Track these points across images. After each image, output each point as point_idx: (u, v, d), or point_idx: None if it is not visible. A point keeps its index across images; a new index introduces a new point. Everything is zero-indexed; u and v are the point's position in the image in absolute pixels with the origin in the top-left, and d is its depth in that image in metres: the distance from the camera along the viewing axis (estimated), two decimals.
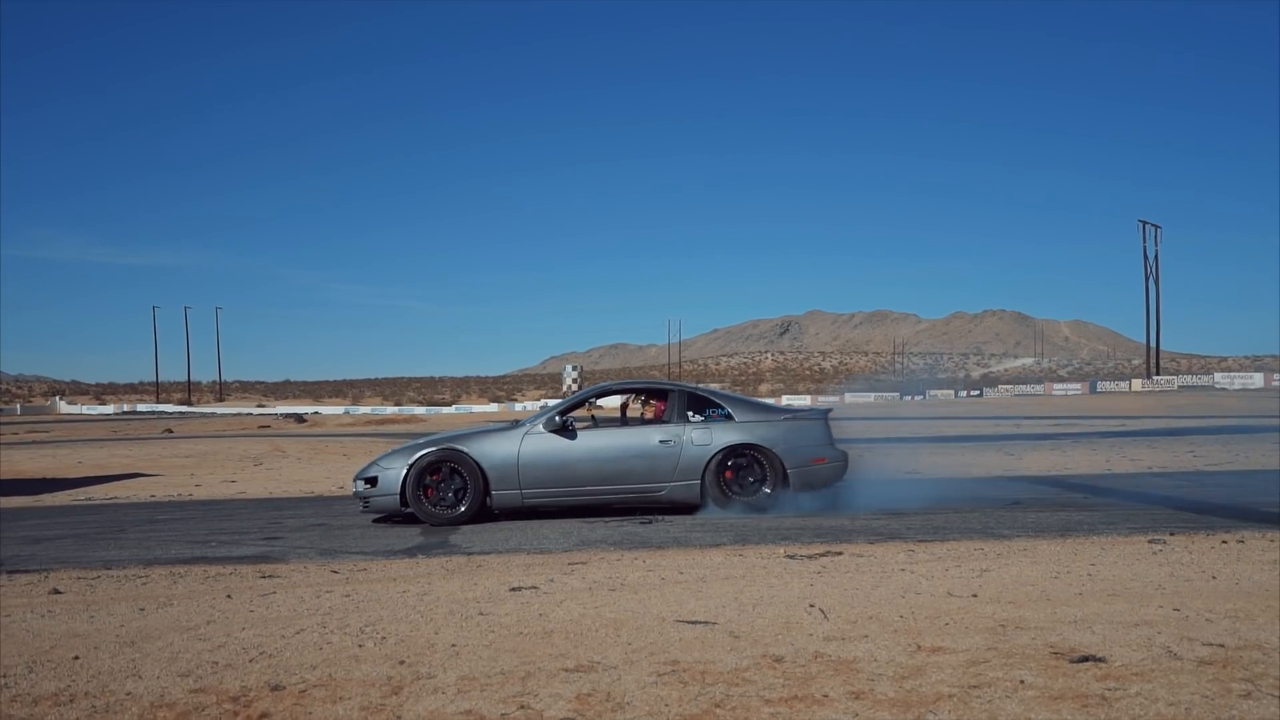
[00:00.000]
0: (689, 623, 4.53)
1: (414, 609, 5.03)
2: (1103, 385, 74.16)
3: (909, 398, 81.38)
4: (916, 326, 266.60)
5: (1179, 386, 65.18)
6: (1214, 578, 5.33)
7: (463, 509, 8.78)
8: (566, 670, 3.82)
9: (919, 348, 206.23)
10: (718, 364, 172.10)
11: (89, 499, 13.02)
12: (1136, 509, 8.69)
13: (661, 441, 8.95)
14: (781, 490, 8.89)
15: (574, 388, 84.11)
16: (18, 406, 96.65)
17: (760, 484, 8.93)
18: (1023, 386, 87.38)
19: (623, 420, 9.52)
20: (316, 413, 77.63)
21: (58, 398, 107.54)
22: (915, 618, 4.52)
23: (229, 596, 5.56)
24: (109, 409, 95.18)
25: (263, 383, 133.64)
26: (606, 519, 8.83)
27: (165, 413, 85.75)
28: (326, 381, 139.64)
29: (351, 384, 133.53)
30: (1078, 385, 75.80)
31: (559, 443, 8.94)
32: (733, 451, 8.94)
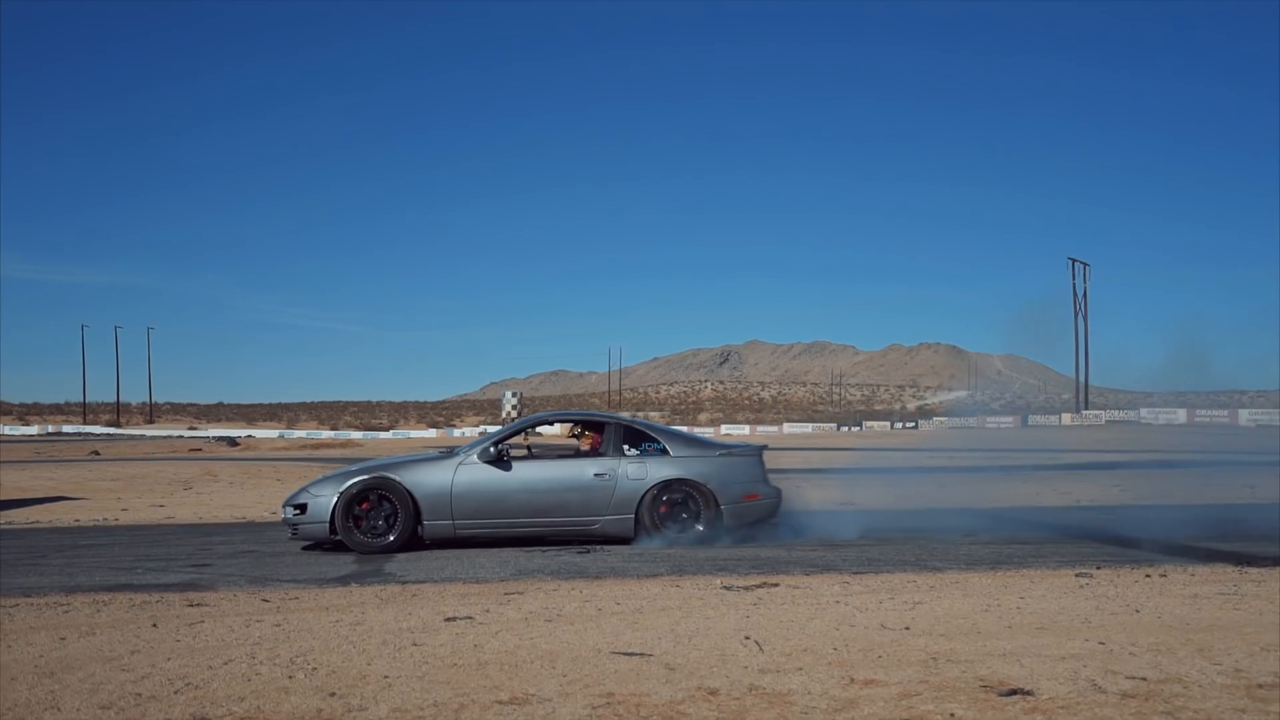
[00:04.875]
0: (625, 654, 4.53)
1: (346, 639, 4.96)
2: (1034, 419, 75.62)
3: (846, 429, 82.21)
4: (854, 358, 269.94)
5: (1106, 421, 66.72)
6: (1137, 611, 5.46)
7: (391, 538, 8.67)
8: (500, 702, 3.79)
9: (856, 379, 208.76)
10: (658, 392, 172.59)
11: (9, 523, 12.62)
12: (1065, 542, 8.87)
13: (597, 475, 8.91)
14: (715, 527, 8.90)
15: (513, 414, 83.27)
16: None
17: (694, 520, 8.92)
18: (957, 419, 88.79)
19: (559, 451, 9.48)
20: (250, 436, 76.13)
21: None
22: (849, 650, 4.57)
23: (155, 625, 5.43)
24: (33, 429, 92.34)
25: (195, 405, 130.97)
26: (544, 548, 8.79)
27: (92, 434, 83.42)
28: (261, 405, 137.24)
29: (286, 407, 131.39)
30: (1010, 418, 77.20)
31: (493, 473, 8.87)
32: (667, 486, 8.93)
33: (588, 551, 8.55)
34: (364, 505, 8.74)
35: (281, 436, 79.19)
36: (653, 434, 9.32)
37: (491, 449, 8.94)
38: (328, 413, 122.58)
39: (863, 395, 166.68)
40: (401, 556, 8.45)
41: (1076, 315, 71.38)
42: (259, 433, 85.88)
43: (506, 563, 7.95)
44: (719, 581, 6.75)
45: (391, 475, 8.81)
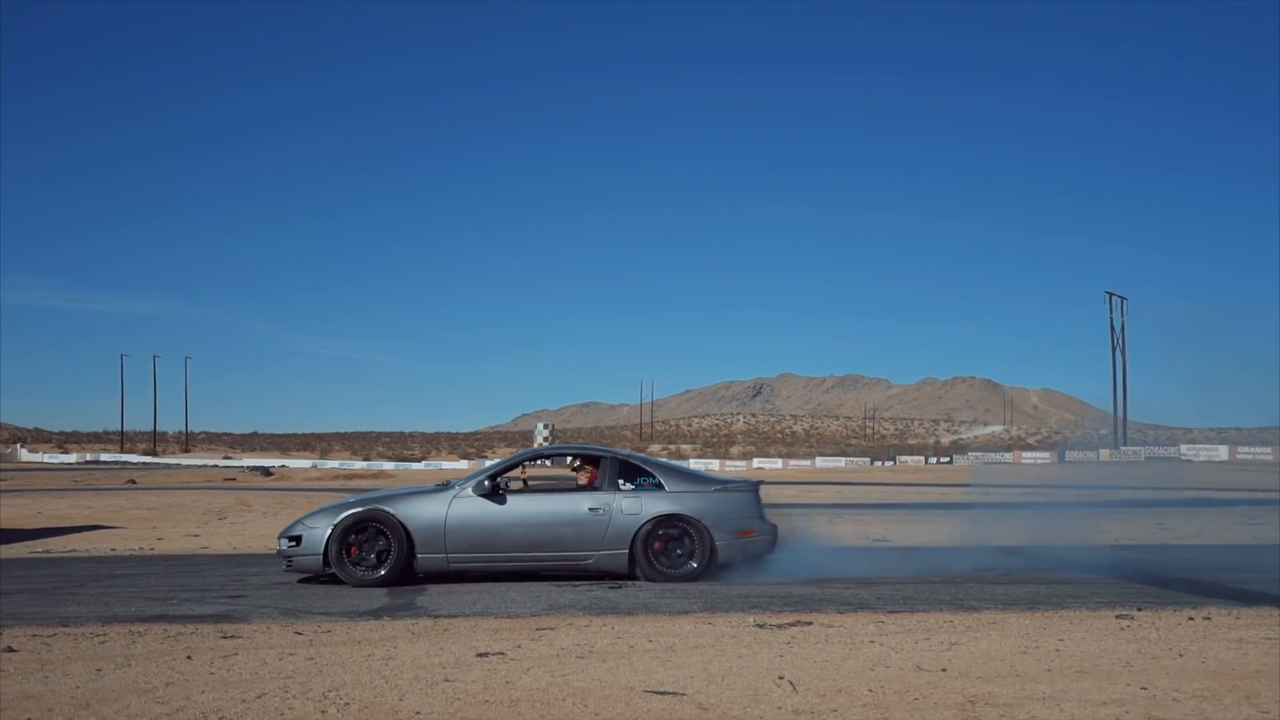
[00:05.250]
0: (657, 693, 4.49)
1: (378, 674, 4.96)
2: (1070, 454, 74.73)
3: (879, 464, 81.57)
4: (888, 392, 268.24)
5: (1146, 457, 65.76)
6: (1181, 655, 5.35)
7: (383, 572, 8.66)
8: None
9: (890, 413, 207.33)
10: (690, 425, 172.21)
11: (47, 551, 12.77)
12: (1104, 582, 8.72)
13: (591, 509, 8.87)
14: (710, 563, 8.82)
15: (545, 445, 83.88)
16: None
17: (689, 557, 8.84)
18: (992, 454, 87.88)
19: (556, 485, 9.43)
20: (284, 466, 76.71)
21: (19, 445, 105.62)
22: (884, 691, 4.50)
23: (189, 657, 5.45)
24: (71, 458, 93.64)
25: (230, 434, 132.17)
26: (575, 583, 8.76)
27: (129, 463, 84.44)
28: (294, 434, 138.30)
29: (320, 437, 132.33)
30: (1046, 454, 76.31)
31: (488, 507, 8.85)
32: (662, 521, 8.86)
33: (619, 587, 8.52)
34: (359, 536, 8.74)
35: (315, 467, 79.72)
36: (649, 469, 9.26)
37: (486, 482, 8.93)
38: (360, 443, 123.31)
39: (896, 429, 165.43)
40: (433, 589, 8.45)
41: (1114, 349, 70.63)
42: (292, 463, 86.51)
43: (538, 597, 7.93)
44: (752, 619, 6.69)
45: (386, 508, 8.82)
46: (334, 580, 8.83)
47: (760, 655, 5.38)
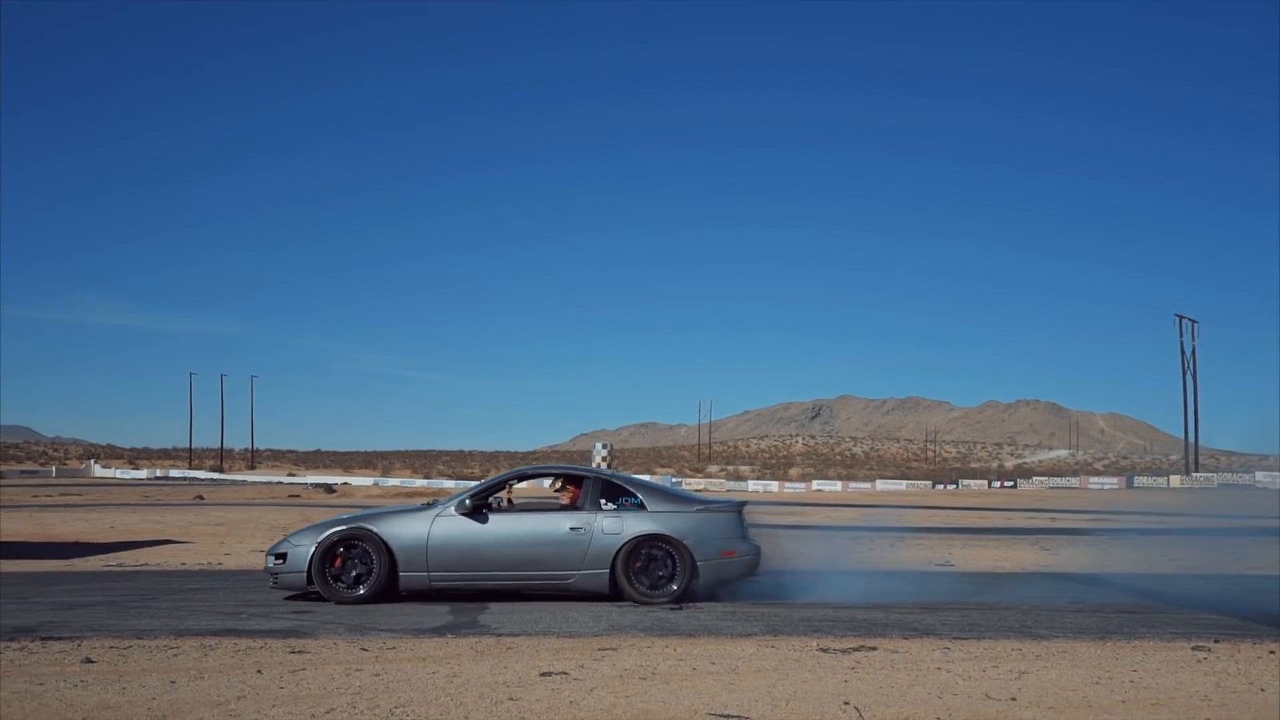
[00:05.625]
0: (721, 716, 4.47)
1: (443, 691, 5.00)
2: (1140, 480, 72.97)
3: (941, 487, 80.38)
4: (949, 414, 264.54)
5: (1219, 484, 63.94)
6: (1262, 690, 5.20)
7: (362, 590, 8.72)
8: None
9: (951, 436, 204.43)
10: (748, 446, 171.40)
11: (120, 565, 13.09)
12: (1177, 612, 8.50)
13: (572, 529, 8.87)
14: (691, 584, 8.78)
15: (603, 465, 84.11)
16: (53, 469, 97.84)
17: (670, 578, 8.81)
18: (1057, 479, 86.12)
19: (540, 505, 9.47)
20: (346, 483, 77.72)
21: (92, 461, 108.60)
22: None
23: (259, 671, 5.55)
24: (142, 473, 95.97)
25: (294, 451, 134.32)
26: (635, 605, 8.75)
27: (197, 479, 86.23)
28: (357, 452, 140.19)
29: (382, 455, 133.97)
30: (1114, 479, 74.63)
31: (470, 526, 8.88)
32: (644, 542, 8.83)
33: (680, 609, 8.49)
34: (341, 556, 8.81)
35: (376, 484, 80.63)
36: (631, 488, 9.24)
37: (468, 501, 8.99)
38: (421, 461, 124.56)
39: (958, 453, 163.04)
40: (495, 608, 8.50)
41: (1185, 374, 68.95)
42: (355, 480, 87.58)
43: (599, 618, 7.94)
44: (815, 643, 6.63)
45: (369, 526, 8.89)
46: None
47: (825, 680, 5.33)
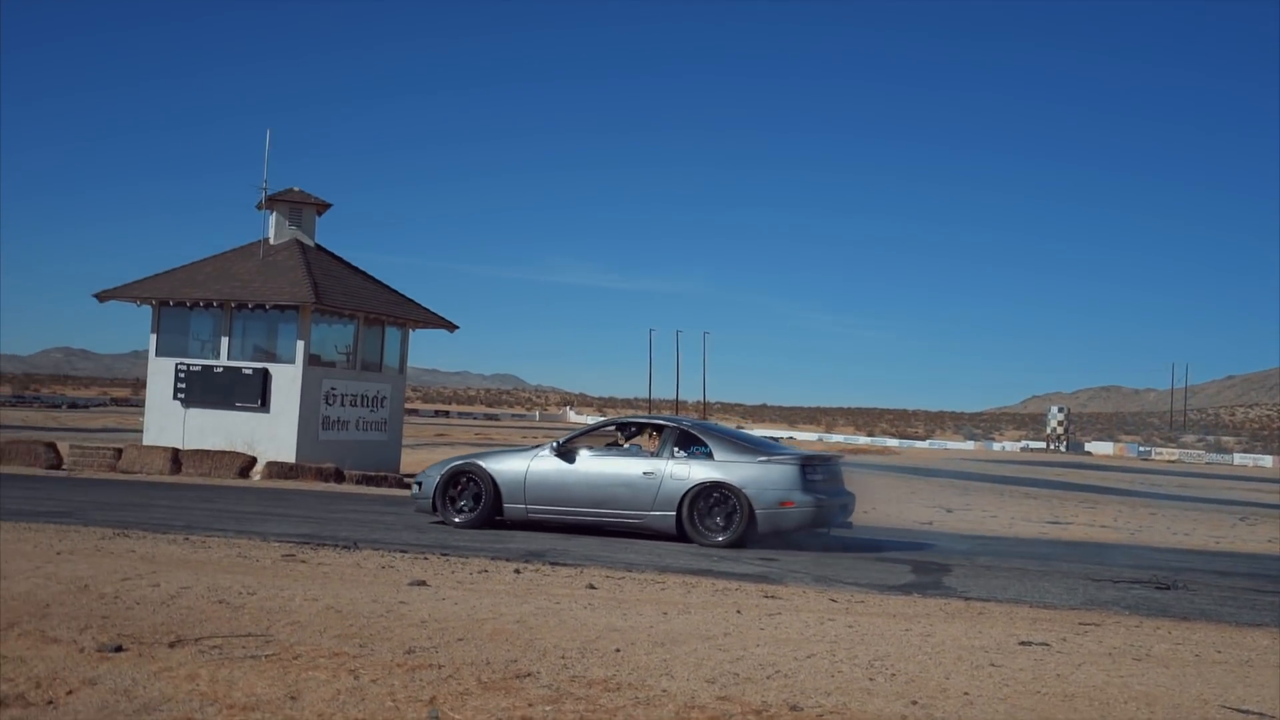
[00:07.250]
0: (1239, 711, 4.03)
1: (919, 649, 4.98)
2: None
3: None
4: None
5: None
6: None
7: (469, 516, 9.79)
8: None
9: None
10: (1232, 415, 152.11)
11: None
12: None
13: (645, 473, 9.47)
14: (748, 531, 9.05)
15: (1059, 430, 79.33)
16: (537, 413, 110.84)
17: (728, 524, 9.13)
18: None
19: (623, 450, 10.05)
20: (791, 438, 79.98)
21: (568, 408, 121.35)
22: None
23: (739, 612, 5.89)
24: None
25: (742, 405, 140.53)
26: (1115, 581, 8.14)
27: None
28: (801, 408, 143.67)
29: (825, 411, 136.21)
30: None
31: (560, 465, 9.76)
32: (707, 488, 9.23)
33: (1168, 588, 7.78)
34: (458, 486, 9.96)
35: (820, 440, 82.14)
36: (704, 438, 9.67)
37: (561, 443, 9.91)
38: (864, 419, 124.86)
39: None
40: (959, 571, 8.32)
41: None
42: (799, 434, 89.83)
43: (1074, 590, 7.50)
44: None
45: (480, 462, 10.03)
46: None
47: None
